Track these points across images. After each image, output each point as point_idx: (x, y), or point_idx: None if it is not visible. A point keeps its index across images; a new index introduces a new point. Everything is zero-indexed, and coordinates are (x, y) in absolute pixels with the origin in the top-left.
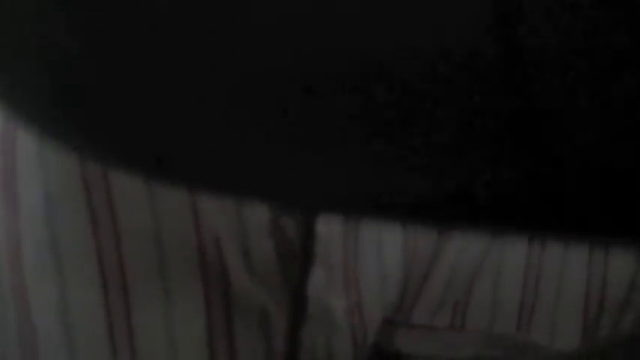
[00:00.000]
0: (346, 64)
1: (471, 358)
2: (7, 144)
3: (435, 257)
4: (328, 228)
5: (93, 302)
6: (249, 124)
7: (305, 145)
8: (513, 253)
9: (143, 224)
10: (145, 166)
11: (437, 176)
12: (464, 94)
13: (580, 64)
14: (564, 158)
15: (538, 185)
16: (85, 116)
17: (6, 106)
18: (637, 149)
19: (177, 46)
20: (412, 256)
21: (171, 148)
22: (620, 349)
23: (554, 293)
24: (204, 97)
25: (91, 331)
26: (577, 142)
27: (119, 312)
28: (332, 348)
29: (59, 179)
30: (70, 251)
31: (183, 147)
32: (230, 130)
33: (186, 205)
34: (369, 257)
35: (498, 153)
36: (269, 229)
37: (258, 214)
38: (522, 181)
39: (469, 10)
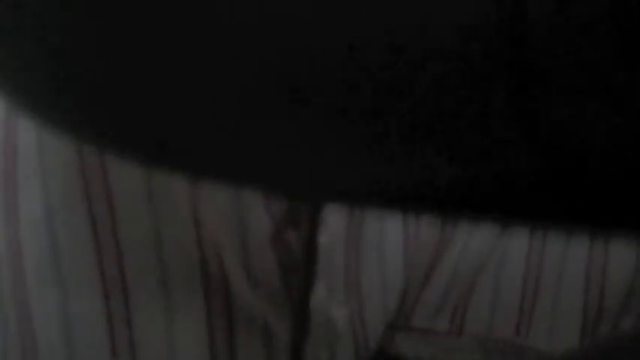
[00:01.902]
0: (348, 53)
1: None
2: (9, 152)
3: (435, 262)
4: (330, 238)
5: (94, 312)
6: (252, 111)
7: (309, 134)
8: (512, 257)
9: (144, 234)
10: (147, 152)
11: (440, 167)
12: (465, 87)
13: (584, 54)
14: (566, 150)
15: (540, 177)
16: (87, 102)
17: (7, 93)
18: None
19: (180, 31)
20: (413, 261)
21: (174, 135)
22: (620, 350)
23: (553, 297)
24: (207, 83)
25: (92, 340)
26: (580, 134)
27: (120, 322)
28: (334, 357)
29: (60, 188)
30: (70, 260)
31: (186, 133)
32: (233, 117)
33: (187, 216)
34: (371, 265)
35: (500, 145)
36: (271, 241)
37: (260, 225)
38: (525, 173)
39: (472, 8)
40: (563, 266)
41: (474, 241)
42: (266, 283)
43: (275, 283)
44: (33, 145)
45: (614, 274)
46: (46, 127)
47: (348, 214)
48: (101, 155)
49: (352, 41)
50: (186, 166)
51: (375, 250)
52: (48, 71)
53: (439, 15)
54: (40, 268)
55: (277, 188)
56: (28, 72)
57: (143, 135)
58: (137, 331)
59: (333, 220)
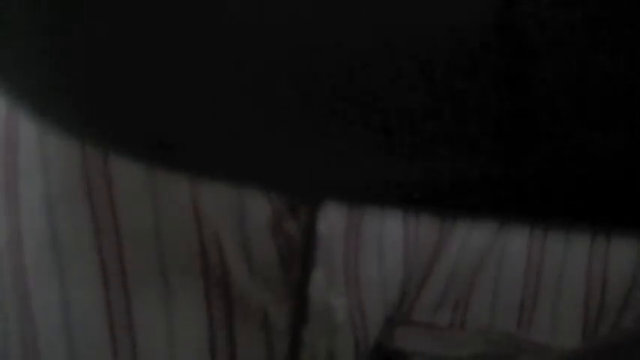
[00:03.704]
0: (347, 54)
1: (471, 357)
2: (10, 143)
3: (435, 256)
4: (329, 228)
5: (94, 302)
6: (253, 111)
7: (309, 134)
8: (513, 251)
9: (144, 224)
10: (148, 151)
11: (439, 166)
12: (464, 85)
13: (580, 53)
14: (565, 148)
15: (539, 176)
16: (87, 102)
17: (8, 92)
18: (637, 141)
19: (182, 30)
20: (413, 255)
21: (175, 134)
22: (620, 349)
23: (555, 291)
24: (208, 82)
25: (92, 330)
26: (578, 132)
27: (120, 311)
28: (333, 348)
29: (61, 179)
30: (71, 250)
31: (187, 132)
32: (233, 117)
33: (187, 205)
34: (370, 257)
35: (499, 143)
36: (270, 230)
37: (260, 215)
38: (523, 171)
39: (468, 10)
40: (564, 259)
41: (472, 238)
42: (265, 271)
43: (274, 271)
44: (34, 136)
45: (616, 266)
46: (47, 126)
47: (348, 207)
48: (103, 152)
49: (350, 42)
50: (187, 166)
51: (374, 243)
52: (49, 71)
53: (435, 18)
54: (40, 258)
55: (278, 188)
56: (29, 72)
57: (144, 135)
58: (137, 320)
59: (333, 211)
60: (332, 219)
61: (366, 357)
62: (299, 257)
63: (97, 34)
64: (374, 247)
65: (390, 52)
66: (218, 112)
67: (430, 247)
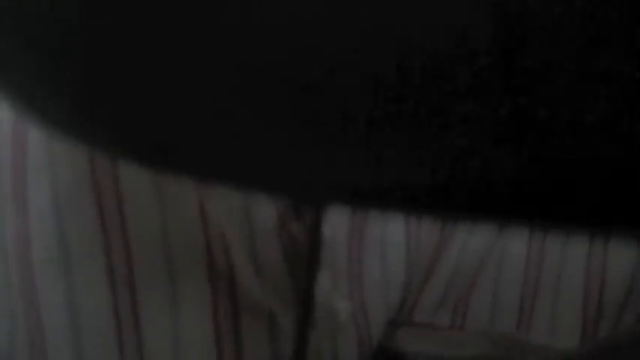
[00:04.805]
0: (350, 60)
1: (471, 358)
2: (18, 145)
3: (436, 257)
4: (334, 232)
5: (101, 303)
6: (256, 114)
7: (312, 137)
8: (513, 252)
9: (152, 226)
10: (153, 155)
11: (440, 168)
12: (464, 88)
13: (577, 58)
14: (565, 150)
15: (539, 177)
16: (91, 105)
17: (12, 99)
18: (637, 141)
19: (185, 34)
20: (415, 256)
21: (179, 137)
22: (620, 349)
23: (554, 292)
24: (211, 85)
25: (99, 331)
26: (578, 133)
27: (127, 313)
28: (337, 350)
29: (69, 180)
30: (78, 252)
31: (191, 136)
32: (237, 120)
33: (194, 208)
34: (373, 259)
35: (498, 145)
36: (276, 233)
37: (266, 217)
38: (523, 173)
39: (468, 10)
40: (563, 261)
41: (472, 240)
42: (271, 273)
43: (280, 273)
44: (42, 140)
45: (614, 270)
46: (52, 132)
47: (352, 210)
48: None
49: (353, 44)
50: (192, 169)
51: (377, 245)
52: (52, 75)
53: (435, 15)
54: (48, 260)
55: (282, 191)
56: (31, 76)
57: (148, 139)
58: (144, 321)
59: (337, 214)
60: (336, 222)
61: (369, 358)
62: (304, 259)
63: (99, 36)
64: (377, 250)
65: (391, 53)
66: (222, 116)
67: (431, 249)
